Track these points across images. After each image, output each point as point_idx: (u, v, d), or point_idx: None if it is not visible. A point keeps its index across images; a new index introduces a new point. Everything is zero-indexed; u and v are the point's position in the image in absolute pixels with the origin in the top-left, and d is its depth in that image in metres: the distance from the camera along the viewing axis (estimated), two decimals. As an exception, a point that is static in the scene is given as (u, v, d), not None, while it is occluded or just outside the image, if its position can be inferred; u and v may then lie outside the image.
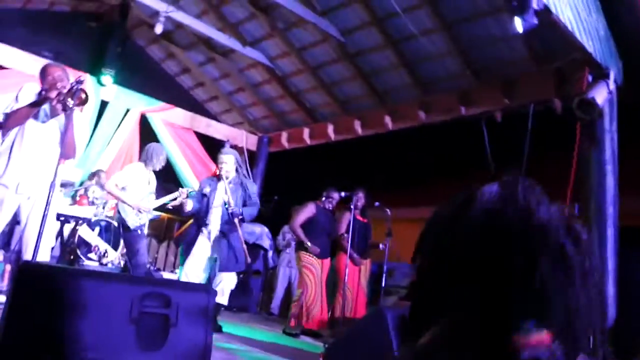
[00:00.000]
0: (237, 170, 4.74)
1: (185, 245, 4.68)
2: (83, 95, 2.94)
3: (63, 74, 3.17)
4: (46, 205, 2.72)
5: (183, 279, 4.46)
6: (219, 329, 4.33)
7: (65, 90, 2.98)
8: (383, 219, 5.69)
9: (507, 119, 5.94)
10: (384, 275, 5.61)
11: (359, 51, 6.57)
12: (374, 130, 7.19)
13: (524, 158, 5.31)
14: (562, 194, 4.65)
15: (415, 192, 7.65)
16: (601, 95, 4.37)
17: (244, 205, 4.65)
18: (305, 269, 5.30)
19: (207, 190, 4.68)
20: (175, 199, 5.19)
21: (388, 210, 5.55)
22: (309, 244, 5.27)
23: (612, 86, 4.48)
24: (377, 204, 5.64)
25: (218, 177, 4.71)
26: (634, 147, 5.19)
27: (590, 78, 4.61)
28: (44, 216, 2.70)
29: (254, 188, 4.88)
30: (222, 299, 4.52)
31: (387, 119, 6.96)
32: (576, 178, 4.60)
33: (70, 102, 2.92)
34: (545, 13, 3.69)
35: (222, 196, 4.58)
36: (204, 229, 4.58)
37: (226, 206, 4.52)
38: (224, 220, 4.55)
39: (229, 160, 4.68)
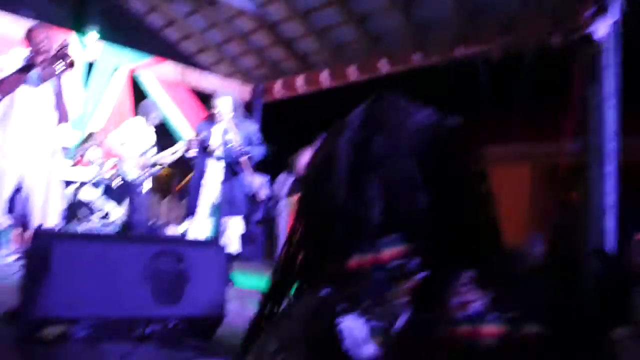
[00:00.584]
0: (234, 113, 4.61)
1: (189, 197, 4.59)
2: (69, 60, 2.89)
3: (48, 37, 3.08)
4: (49, 171, 2.71)
5: (191, 230, 4.40)
6: (231, 282, 4.40)
7: (51, 55, 2.92)
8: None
9: (505, 58, 5.85)
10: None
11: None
12: (369, 75, 7.09)
13: (524, 98, 5.27)
14: (564, 131, 4.64)
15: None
16: (602, 29, 4.29)
17: (248, 145, 4.52)
18: None
19: (204, 134, 4.54)
20: (175, 152, 5.18)
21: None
22: None
23: (614, 19, 4.37)
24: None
25: (214, 121, 4.58)
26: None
27: (591, 11, 4.49)
28: (48, 181, 2.70)
29: (255, 128, 4.73)
30: (231, 247, 4.44)
31: (382, 63, 6.85)
32: (577, 115, 4.58)
33: (57, 67, 2.87)
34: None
35: (219, 139, 4.46)
36: (205, 176, 4.48)
37: (228, 146, 4.38)
38: (228, 163, 4.44)
39: (224, 103, 4.57)
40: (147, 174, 4.87)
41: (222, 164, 4.42)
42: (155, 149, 5.04)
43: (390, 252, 0.65)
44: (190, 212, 4.45)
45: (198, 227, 4.39)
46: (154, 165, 4.97)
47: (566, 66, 4.88)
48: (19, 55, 3.08)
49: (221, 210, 4.41)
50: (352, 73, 7.23)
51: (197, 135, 4.58)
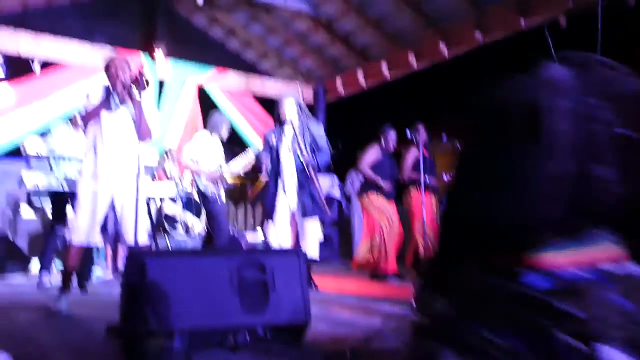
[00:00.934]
0: (299, 115, 4.47)
1: (266, 203, 4.50)
2: (144, 82, 3.09)
3: (124, 65, 3.31)
4: (136, 190, 2.91)
5: (271, 238, 4.35)
6: (313, 286, 4.36)
7: (128, 81, 3.14)
8: (446, 152, 5.58)
9: (573, 22, 5.54)
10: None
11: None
12: (430, 60, 6.96)
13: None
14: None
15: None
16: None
17: (313, 151, 4.42)
18: (379, 212, 5.28)
19: (273, 141, 4.46)
20: (244, 160, 5.32)
21: (458, 143, 5.44)
22: (381, 183, 5.21)
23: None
24: (444, 138, 5.52)
25: (281, 126, 4.47)
26: None
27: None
28: (136, 200, 2.90)
29: (320, 130, 4.59)
30: (311, 253, 4.36)
31: (442, 46, 6.69)
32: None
33: (134, 91, 3.08)
34: None
35: (289, 144, 4.38)
36: (279, 181, 4.39)
37: (297, 155, 4.31)
38: (299, 169, 4.33)
39: (289, 104, 4.46)
40: (220, 185, 5.04)
41: (294, 168, 4.35)
42: (224, 160, 5.20)
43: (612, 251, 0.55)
44: (268, 217, 4.41)
45: (277, 232, 4.33)
46: (226, 175, 5.12)
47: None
48: (99, 86, 3.34)
49: (298, 214, 4.35)
50: (412, 60, 7.12)
51: (267, 143, 4.51)
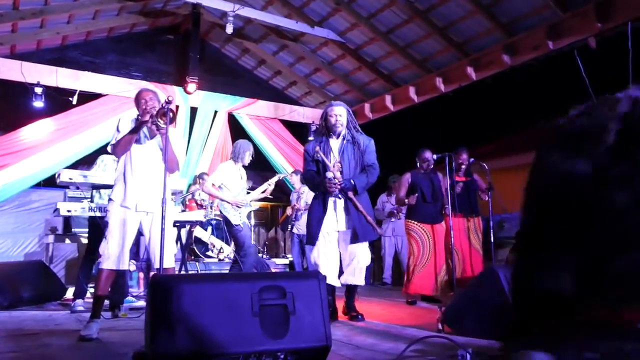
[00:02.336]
0: (348, 127, 3.95)
1: (311, 226, 3.90)
2: (171, 114, 3.17)
3: (153, 97, 3.43)
4: (162, 218, 2.97)
5: (318, 262, 3.82)
6: (359, 316, 3.94)
7: (155, 112, 3.23)
8: (484, 173, 5.51)
9: (604, 44, 5.45)
10: (491, 229, 5.45)
11: (431, 6, 6.32)
12: (457, 84, 6.94)
13: (629, 84, 4.85)
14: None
15: (513, 139, 7.32)
16: None
17: (362, 169, 3.87)
18: (410, 237, 5.28)
19: (318, 154, 3.85)
20: (265, 190, 5.42)
21: (485, 164, 5.37)
22: (408, 200, 5.19)
23: None
24: (472, 160, 5.46)
25: (328, 135, 3.92)
26: None
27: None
28: (162, 228, 2.96)
29: (371, 145, 3.98)
30: (357, 278, 3.93)
31: (470, 70, 6.68)
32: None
33: (161, 122, 3.17)
34: None
35: (337, 158, 3.84)
36: (327, 198, 3.81)
37: (347, 170, 3.81)
38: (345, 188, 3.78)
39: (339, 112, 3.90)
40: (245, 211, 5.10)
41: (339, 188, 3.77)
42: (246, 187, 5.28)
43: None
44: (311, 242, 3.87)
45: (321, 258, 3.83)
46: (249, 202, 5.18)
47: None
48: (129, 118, 3.47)
49: (345, 237, 3.86)
50: (439, 84, 7.12)
51: (311, 156, 3.93)
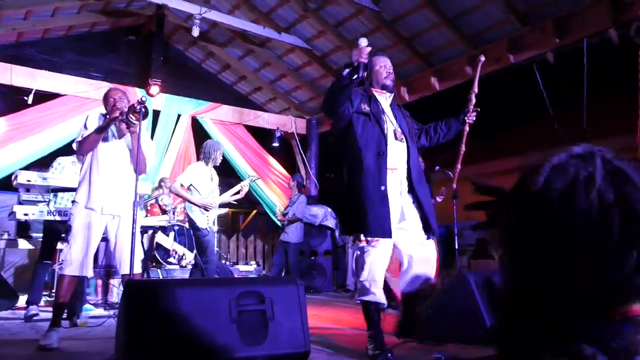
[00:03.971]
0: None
1: (370, 217, 2.64)
2: (144, 111, 3.08)
3: (123, 96, 3.34)
4: (133, 222, 2.88)
5: (381, 274, 2.71)
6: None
7: (126, 109, 3.13)
8: (449, 180, 5.62)
9: (561, 59, 5.69)
10: (455, 236, 5.55)
11: (397, 16, 6.43)
12: (421, 93, 7.07)
13: (584, 97, 5.09)
14: (629, 128, 4.43)
15: (476, 148, 7.53)
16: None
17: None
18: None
19: (365, 107, 2.82)
20: (238, 191, 5.30)
21: (450, 172, 5.49)
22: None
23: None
24: (437, 168, 5.56)
25: (366, 91, 2.93)
26: None
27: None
28: (133, 232, 2.87)
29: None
30: (426, 282, 2.86)
31: (434, 80, 6.82)
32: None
33: (132, 118, 3.06)
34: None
35: (394, 123, 2.87)
36: (382, 187, 2.67)
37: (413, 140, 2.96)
38: (415, 164, 2.83)
39: (383, 59, 3.07)
40: (213, 215, 5.00)
41: (407, 163, 2.86)
42: (218, 190, 5.17)
43: None
44: (375, 235, 2.68)
45: (380, 260, 2.68)
46: (218, 205, 5.08)
47: (626, 60, 4.68)
48: (97, 115, 3.34)
49: (415, 232, 2.84)
50: (404, 94, 7.23)
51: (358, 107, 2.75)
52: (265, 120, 8.74)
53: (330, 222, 7.90)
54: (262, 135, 8.76)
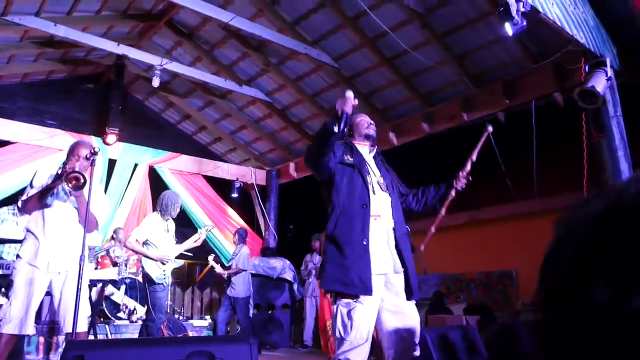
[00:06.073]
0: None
1: (350, 275, 2.49)
2: (82, 180, 2.96)
3: (73, 152, 3.20)
4: (79, 279, 2.75)
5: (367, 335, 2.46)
6: None
7: (66, 175, 2.97)
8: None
9: (511, 118, 5.97)
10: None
11: (355, 73, 6.64)
12: (380, 147, 7.21)
13: (533, 154, 5.34)
14: (576, 184, 4.65)
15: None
16: (600, 83, 4.38)
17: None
18: (325, 297, 5.24)
19: (347, 158, 2.73)
20: (197, 239, 5.18)
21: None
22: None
23: (610, 73, 4.49)
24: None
25: (347, 142, 2.88)
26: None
27: (587, 68, 4.63)
28: (79, 288, 2.74)
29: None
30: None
31: (392, 135, 7.01)
32: (589, 167, 4.60)
33: (67, 187, 2.97)
34: (533, 13, 3.74)
35: (377, 175, 2.80)
36: (365, 241, 2.54)
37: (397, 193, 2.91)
38: (398, 219, 2.72)
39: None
40: (170, 268, 4.84)
41: (392, 217, 2.77)
42: (174, 241, 5.04)
43: None
44: (360, 293, 2.52)
45: (364, 320, 2.48)
46: (175, 258, 4.93)
47: (572, 120, 4.97)
48: (45, 174, 3.21)
49: (397, 293, 2.65)
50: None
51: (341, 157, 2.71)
52: (225, 170, 8.70)
53: (289, 275, 7.77)
54: (221, 186, 8.68)
